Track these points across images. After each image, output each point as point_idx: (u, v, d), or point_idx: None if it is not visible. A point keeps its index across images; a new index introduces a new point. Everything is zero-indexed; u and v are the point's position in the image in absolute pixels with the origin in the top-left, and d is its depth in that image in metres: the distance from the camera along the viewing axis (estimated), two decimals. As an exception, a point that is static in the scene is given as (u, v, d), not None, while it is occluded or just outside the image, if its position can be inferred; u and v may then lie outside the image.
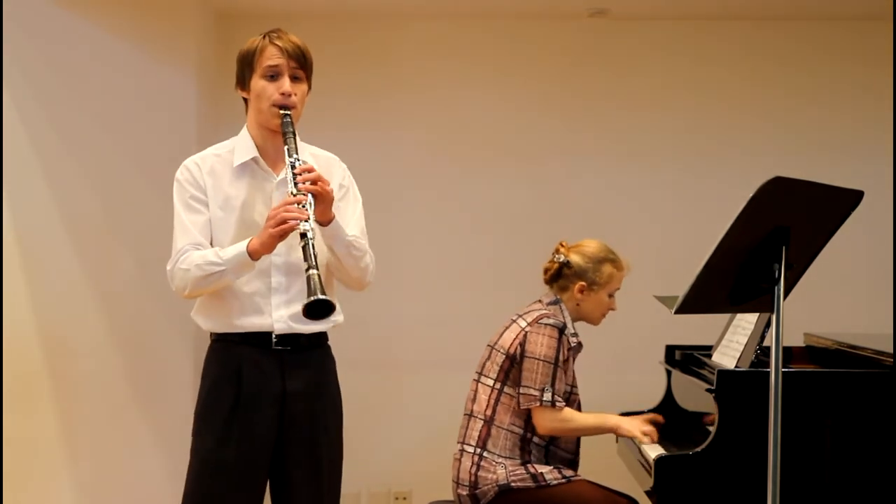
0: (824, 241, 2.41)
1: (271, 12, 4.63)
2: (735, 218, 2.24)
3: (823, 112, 4.73)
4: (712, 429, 2.99)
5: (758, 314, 3.19)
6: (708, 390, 3.05)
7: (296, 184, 2.48)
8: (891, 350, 3.08)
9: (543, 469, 3.18)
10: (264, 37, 2.65)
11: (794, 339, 3.65)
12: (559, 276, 3.36)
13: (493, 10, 4.65)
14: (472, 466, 3.21)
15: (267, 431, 2.59)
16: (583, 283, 3.32)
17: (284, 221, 2.43)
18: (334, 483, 2.69)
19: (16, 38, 3.98)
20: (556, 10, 4.64)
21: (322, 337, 2.69)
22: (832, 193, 2.33)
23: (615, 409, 3.68)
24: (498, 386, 3.26)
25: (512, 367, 3.24)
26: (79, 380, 4.13)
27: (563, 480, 3.16)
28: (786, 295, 2.33)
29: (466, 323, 4.51)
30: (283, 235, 2.46)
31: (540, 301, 3.37)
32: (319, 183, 2.48)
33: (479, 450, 3.22)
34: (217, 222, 2.62)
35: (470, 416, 3.31)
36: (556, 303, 3.34)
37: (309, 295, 2.35)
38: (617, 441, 3.61)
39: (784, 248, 2.30)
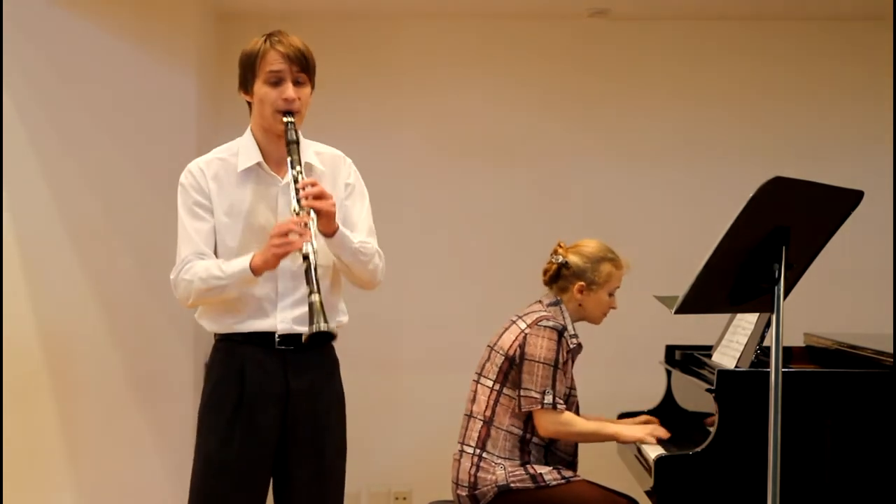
0: (824, 241, 2.41)
1: (271, 12, 4.62)
2: (735, 218, 2.24)
3: (823, 112, 4.73)
4: (712, 429, 2.99)
5: (758, 314, 3.19)
6: (708, 390, 3.04)
7: (298, 200, 2.47)
8: (891, 350, 3.08)
9: (542, 469, 3.18)
10: (266, 40, 2.62)
11: (794, 339, 3.65)
12: (558, 276, 3.36)
13: (493, 10, 4.65)
14: (471, 467, 3.21)
15: (269, 430, 2.60)
16: (582, 283, 3.32)
17: (287, 242, 2.44)
18: (337, 483, 2.69)
19: (16, 38, 3.99)
20: (556, 10, 4.64)
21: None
22: (832, 193, 2.33)
23: (615, 409, 3.69)
24: (497, 387, 3.26)
25: (511, 369, 3.24)
26: (79, 380, 4.13)
27: (563, 481, 3.16)
28: (786, 295, 2.33)
29: (466, 323, 4.51)
30: (285, 255, 2.48)
31: (540, 302, 3.37)
32: (322, 199, 2.48)
33: (478, 450, 3.22)
34: (222, 228, 2.62)
35: (470, 416, 3.31)
36: (556, 304, 3.34)
37: (311, 323, 2.36)
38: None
39: (784, 248, 2.30)
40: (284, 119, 2.56)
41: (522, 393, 3.18)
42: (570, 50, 4.76)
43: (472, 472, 3.20)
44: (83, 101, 4.13)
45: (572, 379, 3.31)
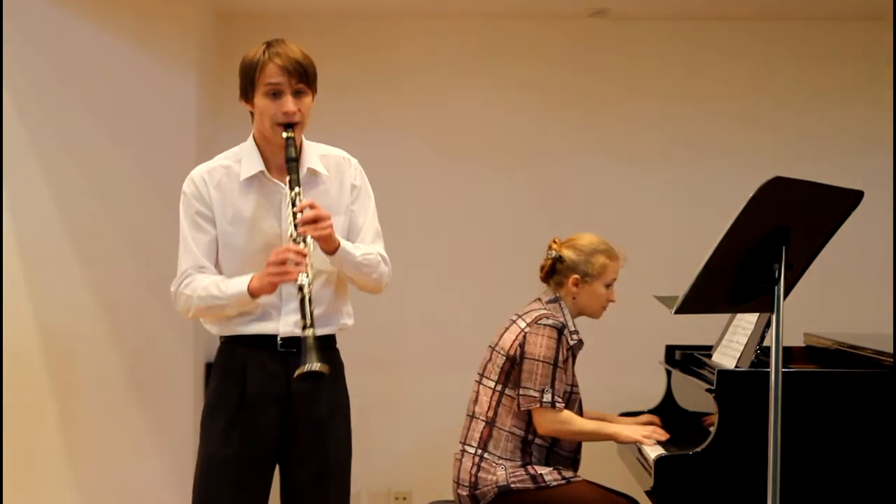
0: (824, 241, 2.41)
1: (271, 12, 4.63)
2: (735, 218, 2.24)
3: (823, 112, 4.72)
4: (712, 429, 2.99)
5: (758, 314, 3.19)
6: (708, 390, 3.04)
7: (296, 225, 2.47)
8: (891, 350, 3.08)
9: (543, 470, 3.18)
10: (265, 51, 2.59)
11: (794, 339, 3.65)
12: (553, 271, 3.36)
13: (493, 10, 4.65)
14: (472, 467, 3.21)
15: (269, 431, 2.60)
16: (576, 275, 3.32)
17: (283, 272, 2.45)
18: (341, 484, 2.69)
19: (16, 38, 3.99)
20: (556, 10, 4.64)
21: (329, 340, 2.69)
22: (832, 193, 2.33)
23: (615, 410, 3.69)
24: (499, 388, 3.26)
25: (512, 369, 3.24)
26: (79, 380, 4.13)
27: (563, 481, 3.16)
28: (786, 295, 2.33)
29: (466, 323, 4.51)
30: (281, 282, 2.49)
31: (539, 300, 3.37)
32: (318, 221, 2.48)
33: (479, 451, 3.22)
34: (226, 237, 2.62)
35: (472, 417, 3.31)
36: (555, 301, 3.34)
37: (303, 361, 2.36)
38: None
39: (784, 248, 2.30)
40: (284, 134, 2.56)
41: (522, 392, 3.18)
42: (569, 50, 4.75)
43: (473, 472, 3.20)
44: (83, 101, 4.13)
45: (574, 376, 3.30)
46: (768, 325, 3.05)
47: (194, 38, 4.26)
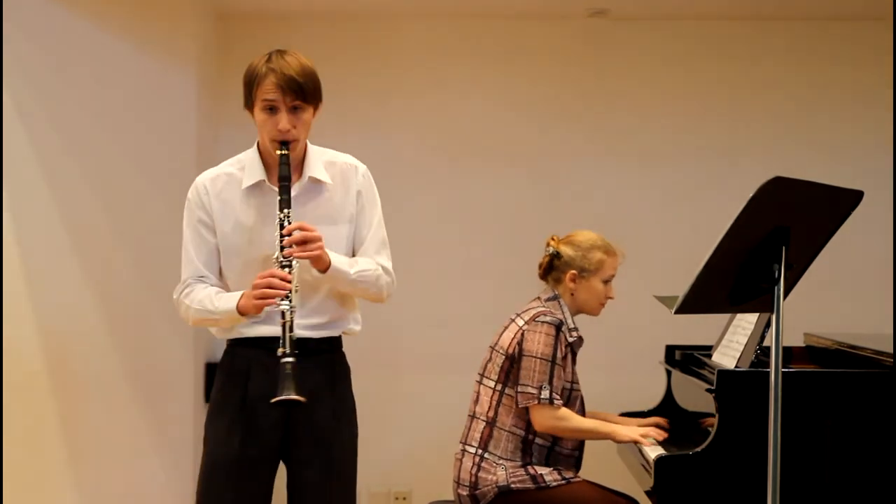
0: (824, 241, 2.41)
1: (271, 12, 4.63)
2: (735, 218, 2.24)
3: (823, 112, 4.73)
4: (712, 429, 2.99)
5: (758, 314, 3.19)
6: (708, 390, 3.05)
7: (282, 247, 2.48)
8: (891, 350, 3.08)
9: (543, 470, 3.18)
10: (266, 62, 2.57)
11: (794, 339, 3.65)
12: (551, 268, 3.36)
13: (493, 10, 4.65)
14: (472, 467, 3.21)
15: (271, 432, 2.61)
16: (573, 271, 3.32)
17: (266, 295, 2.47)
18: (345, 486, 2.69)
19: (16, 38, 3.98)
20: (556, 10, 4.64)
21: (333, 342, 2.70)
22: (832, 193, 2.33)
23: (615, 410, 3.69)
24: (499, 388, 3.26)
25: (511, 367, 3.24)
26: (79, 380, 4.12)
27: (563, 482, 3.16)
28: (786, 295, 2.33)
29: (466, 323, 4.51)
30: (265, 305, 2.51)
31: (538, 298, 3.37)
32: (307, 242, 2.49)
33: (480, 451, 3.22)
34: (227, 245, 2.64)
35: (473, 417, 3.31)
36: (554, 298, 3.34)
37: (279, 389, 2.38)
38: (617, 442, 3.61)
39: (784, 248, 2.30)
40: (278, 152, 2.56)
41: (520, 389, 3.19)
42: (569, 50, 4.75)
43: (474, 471, 3.20)
44: (83, 101, 4.13)
45: (574, 374, 3.30)
46: (768, 325, 3.05)
47: (194, 38, 4.26)
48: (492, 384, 3.28)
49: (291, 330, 2.44)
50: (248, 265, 2.59)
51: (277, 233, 2.51)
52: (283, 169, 2.54)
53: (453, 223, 4.72)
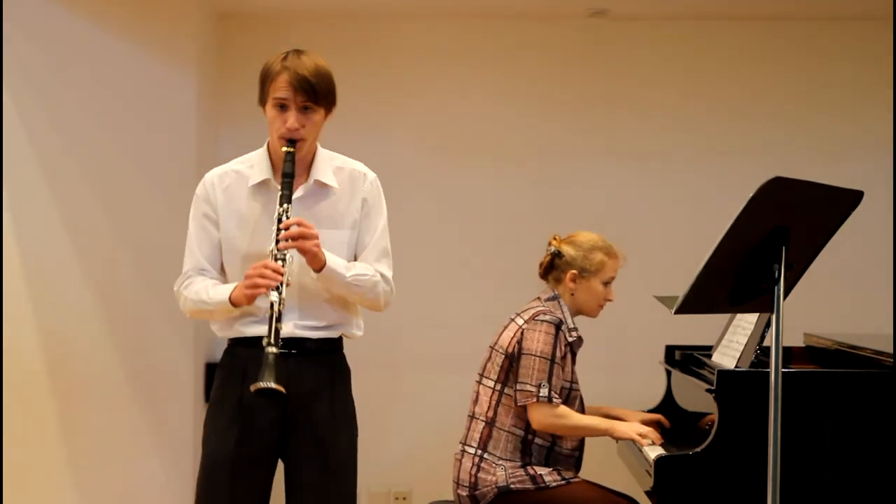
0: (824, 241, 2.41)
1: (271, 12, 4.63)
2: (735, 218, 2.24)
3: (823, 112, 4.72)
4: (712, 429, 2.99)
5: (758, 314, 3.19)
6: (708, 390, 3.04)
7: (277, 241, 2.49)
8: (891, 350, 3.08)
9: (543, 471, 3.18)
10: (282, 60, 2.58)
11: (794, 339, 3.65)
12: (552, 267, 3.36)
13: (493, 10, 4.65)
14: (472, 467, 3.21)
15: (268, 432, 2.61)
16: (574, 271, 3.32)
17: (257, 285, 2.48)
18: (344, 488, 2.69)
19: (16, 38, 3.98)
20: (556, 10, 4.64)
21: (333, 343, 2.70)
22: (832, 193, 2.33)
23: (616, 408, 3.68)
24: (498, 388, 3.26)
25: (511, 367, 3.24)
26: (79, 380, 4.13)
27: (563, 482, 3.16)
28: (786, 295, 2.33)
29: (466, 323, 4.51)
30: (256, 296, 2.51)
31: (538, 298, 3.37)
32: (303, 238, 2.49)
33: (479, 451, 3.22)
34: (229, 240, 2.65)
35: (472, 417, 3.31)
36: (554, 298, 3.34)
37: (259, 377, 2.38)
38: (617, 442, 3.61)
39: (784, 248, 2.30)
40: (284, 149, 2.57)
41: (518, 387, 3.18)
42: (569, 50, 4.75)
43: (473, 472, 3.20)
44: (83, 101, 4.13)
45: (574, 374, 3.30)
46: (768, 325, 3.05)
47: (194, 38, 4.26)
48: (491, 384, 3.28)
49: (279, 321, 2.44)
50: (248, 261, 2.59)
51: (274, 226, 2.52)
52: (287, 166, 2.56)
53: (453, 223, 4.72)
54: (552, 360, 3.18)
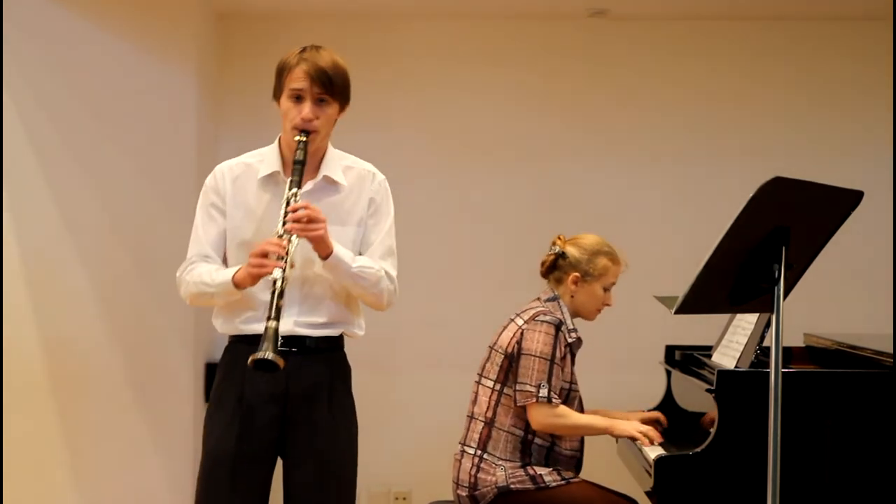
0: (824, 241, 2.41)
1: (271, 12, 4.63)
2: (735, 218, 2.24)
3: (823, 112, 4.72)
4: (712, 429, 2.99)
5: (758, 314, 3.19)
6: (708, 390, 3.04)
7: (284, 223, 2.50)
8: (891, 350, 3.08)
9: (542, 471, 3.18)
10: (299, 53, 2.62)
11: (794, 339, 3.65)
12: (554, 267, 3.36)
13: (493, 10, 4.65)
14: (471, 468, 3.21)
15: (267, 430, 2.61)
16: (577, 273, 3.32)
17: (262, 264, 2.48)
18: (343, 488, 2.69)
19: (16, 38, 3.98)
20: (556, 10, 4.64)
21: (333, 341, 2.70)
22: (832, 193, 2.33)
23: (615, 410, 3.68)
24: (498, 388, 3.26)
25: (510, 367, 3.24)
26: (79, 380, 4.13)
27: (562, 482, 3.16)
28: (786, 295, 2.33)
29: (466, 323, 4.51)
30: (259, 276, 2.51)
31: (538, 298, 3.37)
32: (311, 222, 2.50)
33: (479, 451, 3.22)
34: (234, 231, 2.66)
35: (471, 418, 3.31)
36: (553, 299, 3.34)
37: (258, 349, 2.38)
38: (617, 441, 3.61)
39: (784, 248, 2.30)
40: (297, 138, 2.58)
41: (518, 387, 3.18)
42: (569, 50, 4.75)
43: (473, 472, 3.20)
44: (83, 100, 4.13)
45: (573, 374, 3.30)
46: (768, 325, 3.05)
47: (194, 38, 4.26)
48: (491, 384, 3.28)
49: (280, 298, 2.43)
50: (252, 251, 2.59)
51: (282, 210, 2.52)
52: (299, 154, 2.57)
53: (452, 222, 4.72)
54: (552, 361, 3.18)
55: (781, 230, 2.29)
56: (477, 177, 4.72)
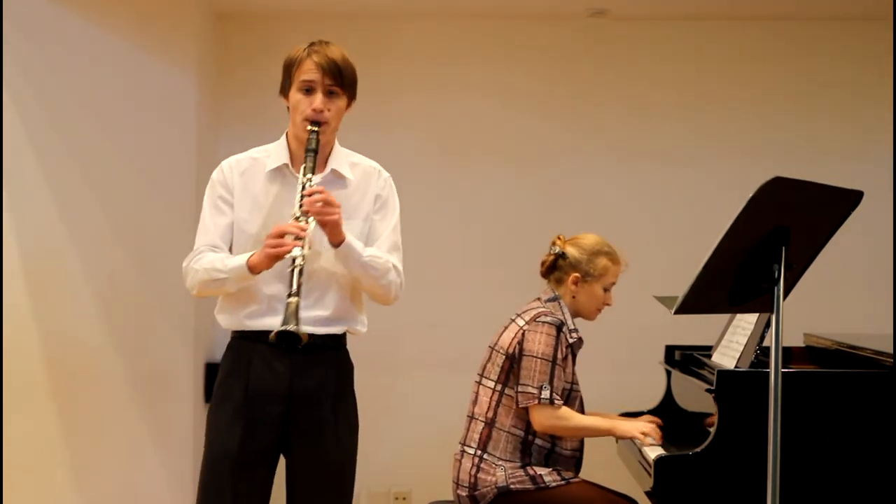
0: (824, 241, 2.41)
1: (271, 12, 4.63)
2: (735, 218, 2.24)
3: (823, 112, 4.73)
4: (712, 429, 2.99)
5: (758, 314, 3.19)
6: (708, 390, 3.04)
7: (301, 205, 2.51)
8: (891, 350, 3.08)
9: (542, 471, 3.17)
10: (307, 48, 2.65)
11: (794, 339, 3.65)
12: (555, 267, 3.36)
13: (493, 10, 4.65)
14: (472, 468, 3.21)
15: (270, 428, 2.62)
16: (577, 274, 3.32)
17: (280, 244, 2.48)
18: (341, 487, 2.69)
19: (16, 38, 3.98)
20: (556, 10, 4.64)
21: (337, 340, 2.70)
22: (832, 193, 2.33)
23: (616, 410, 3.69)
24: (499, 388, 3.26)
25: (512, 367, 3.24)
26: (79, 380, 4.13)
27: (562, 482, 3.16)
28: (786, 295, 2.33)
29: (466, 323, 4.51)
30: (277, 257, 2.50)
31: (538, 299, 3.37)
32: (326, 206, 2.51)
33: (479, 451, 3.22)
34: (241, 224, 2.67)
35: (471, 418, 3.31)
36: (554, 299, 3.34)
37: (282, 322, 2.39)
38: (617, 441, 3.61)
39: (784, 248, 2.30)
40: (309, 128, 2.60)
41: (520, 388, 3.18)
42: (569, 50, 4.75)
43: (473, 472, 3.20)
44: (83, 100, 4.13)
45: (574, 375, 3.30)
46: (768, 325, 3.04)
47: (194, 38, 4.26)
48: (491, 384, 3.28)
49: (301, 276, 2.44)
50: (258, 245, 2.59)
51: (298, 193, 2.53)
52: (312, 142, 2.59)
53: (451, 223, 4.72)
54: (553, 362, 3.18)
55: (781, 230, 2.29)
56: (475, 176, 4.72)
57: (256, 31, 4.63)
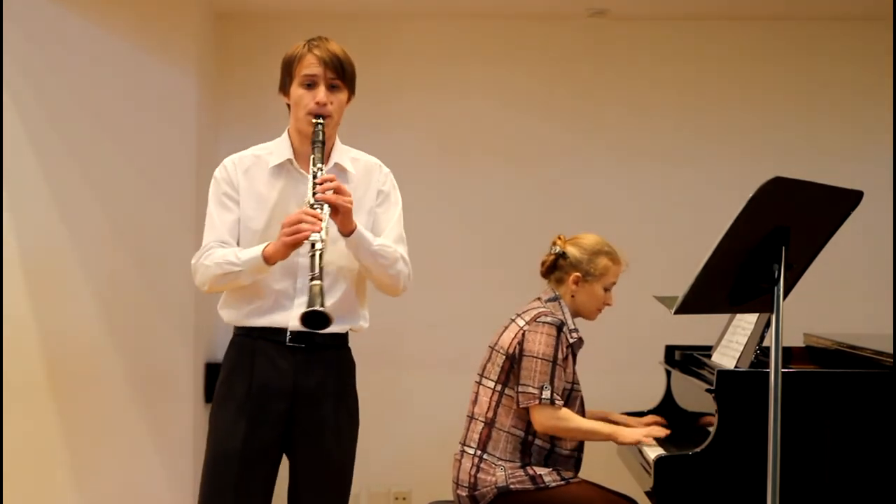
0: (824, 241, 2.41)
1: (271, 12, 4.63)
2: (735, 218, 2.24)
3: (823, 112, 4.73)
4: (712, 429, 2.99)
5: (758, 314, 3.19)
6: (708, 390, 3.04)
7: (314, 193, 2.51)
8: (891, 350, 3.08)
9: (542, 471, 3.17)
10: (306, 44, 2.67)
11: (794, 339, 3.65)
12: (555, 267, 3.37)
13: (493, 10, 4.65)
14: (471, 468, 3.21)
15: (273, 425, 2.62)
16: (578, 273, 3.32)
17: (297, 231, 2.47)
18: (341, 486, 2.70)
19: (16, 38, 3.98)
20: (556, 10, 4.64)
21: (339, 338, 2.70)
22: (832, 193, 2.33)
23: (615, 410, 3.68)
24: (499, 388, 3.26)
25: (512, 367, 3.24)
26: (79, 379, 4.12)
27: (562, 482, 3.16)
28: (786, 295, 2.33)
29: (467, 323, 4.51)
30: (295, 244, 2.50)
31: (539, 299, 3.37)
32: (338, 194, 2.52)
33: (479, 451, 3.22)
34: (247, 220, 2.67)
35: (471, 418, 3.31)
36: (554, 299, 3.34)
37: (308, 305, 2.38)
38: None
39: (784, 248, 2.30)
40: (314, 121, 2.61)
41: (521, 389, 3.18)
42: (569, 50, 4.76)
43: (473, 472, 3.20)
44: (83, 100, 4.13)
45: (575, 374, 3.30)
46: (768, 325, 3.05)
47: (194, 38, 4.26)
48: (491, 384, 3.28)
49: (321, 260, 2.43)
50: (265, 240, 2.60)
51: (310, 182, 2.54)
52: (319, 134, 2.60)
53: (451, 223, 4.72)
54: (554, 362, 3.18)
55: (781, 230, 2.29)
56: (476, 176, 4.72)
57: (256, 31, 4.63)
